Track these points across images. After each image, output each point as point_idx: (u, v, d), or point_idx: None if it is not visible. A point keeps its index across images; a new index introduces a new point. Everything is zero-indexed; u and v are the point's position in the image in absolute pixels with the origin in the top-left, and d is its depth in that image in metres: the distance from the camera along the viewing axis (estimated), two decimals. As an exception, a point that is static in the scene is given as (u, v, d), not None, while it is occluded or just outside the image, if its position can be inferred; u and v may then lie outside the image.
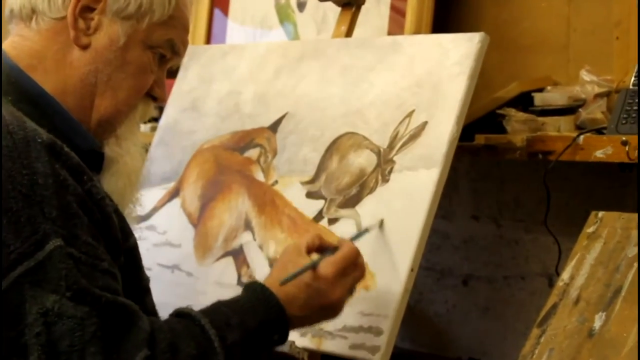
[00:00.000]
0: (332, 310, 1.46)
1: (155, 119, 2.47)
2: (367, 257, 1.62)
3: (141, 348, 1.23)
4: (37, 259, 1.19)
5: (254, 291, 1.40)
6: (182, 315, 1.36)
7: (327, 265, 1.44)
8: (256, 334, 1.36)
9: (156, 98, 1.47)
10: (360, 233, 1.59)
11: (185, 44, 1.46)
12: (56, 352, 1.18)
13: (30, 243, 1.20)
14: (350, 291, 1.48)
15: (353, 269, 1.47)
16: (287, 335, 1.41)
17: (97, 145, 1.41)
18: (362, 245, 1.57)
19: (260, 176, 1.87)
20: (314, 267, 1.44)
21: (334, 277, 1.44)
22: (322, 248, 1.49)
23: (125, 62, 1.40)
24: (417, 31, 2.07)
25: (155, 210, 1.99)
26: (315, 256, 1.47)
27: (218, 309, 1.37)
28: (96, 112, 1.40)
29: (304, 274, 1.42)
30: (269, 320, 1.38)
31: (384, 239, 1.62)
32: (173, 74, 2.14)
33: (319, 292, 1.43)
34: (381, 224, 1.63)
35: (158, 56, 1.44)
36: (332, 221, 1.71)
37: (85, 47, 1.39)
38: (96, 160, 1.40)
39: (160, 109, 2.41)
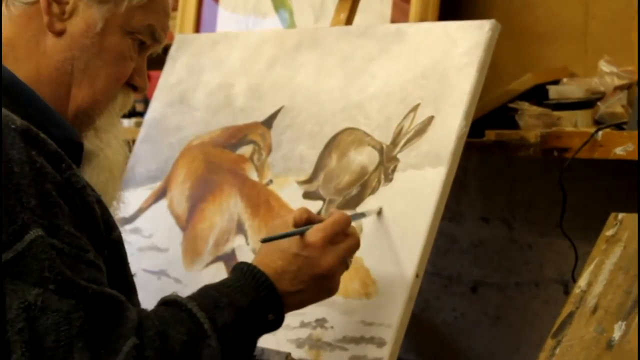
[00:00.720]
0: (326, 281, 1.45)
1: (140, 114, 2.47)
2: (368, 261, 1.62)
3: (129, 337, 1.24)
4: (16, 250, 1.20)
5: (241, 271, 1.41)
6: (168, 303, 1.36)
7: (315, 232, 1.45)
8: (248, 314, 1.37)
9: (137, 88, 1.47)
10: (355, 215, 1.59)
11: (165, 30, 1.47)
12: (41, 348, 1.18)
13: (8, 234, 1.20)
14: (344, 263, 1.48)
15: (344, 237, 1.47)
16: (282, 315, 1.42)
17: (75, 135, 1.41)
18: (363, 248, 1.56)
19: (253, 175, 1.86)
20: (301, 233, 1.45)
21: (323, 243, 1.44)
22: (311, 222, 1.50)
23: (103, 49, 1.41)
24: (423, 19, 2.06)
25: (140, 211, 1.99)
26: None
27: (205, 292, 1.38)
28: (73, 103, 1.41)
29: (291, 245, 1.43)
30: (260, 298, 1.39)
31: (387, 242, 1.62)
32: (159, 65, 2.14)
33: (309, 261, 1.43)
34: (379, 211, 1.63)
35: (137, 43, 1.44)
36: (330, 223, 1.71)
37: (59, 34, 1.40)
38: (75, 151, 1.40)
39: (146, 103, 2.41)
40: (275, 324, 1.42)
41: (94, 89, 1.41)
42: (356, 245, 1.50)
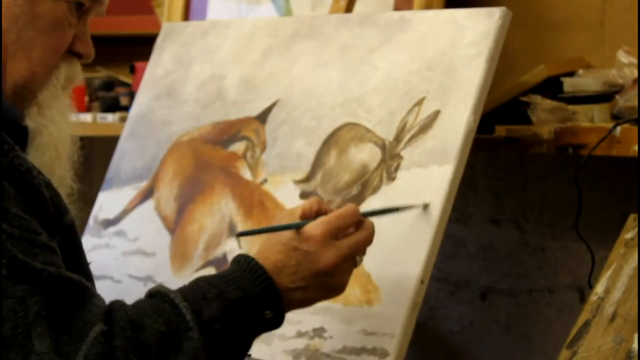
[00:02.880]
0: (328, 278, 1.44)
1: (125, 108, 2.47)
2: (369, 266, 1.62)
3: (96, 323, 1.24)
4: None
5: (238, 263, 1.41)
6: (152, 294, 1.36)
7: (317, 225, 1.44)
8: (240, 308, 1.36)
9: (81, 55, 1.45)
10: (386, 209, 1.56)
11: None
12: None
13: None
14: (349, 259, 1.46)
15: (349, 231, 1.46)
16: (281, 312, 1.41)
17: (16, 116, 1.40)
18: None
19: (246, 174, 1.87)
20: (296, 227, 1.43)
21: (324, 237, 1.43)
22: (321, 214, 1.48)
23: (35, 16, 1.39)
24: (428, 6, 2.06)
25: (125, 213, 1.99)
26: None
27: (195, 284, 1.38)
28: (10, 78, 1.39)
29: (291, 238, 1.43)
30: (255, 292, 1.38)
31: (390, 245, 1.62)
32: (145, 56, 2.14)
33: (308, 255, 1.42)
34: (426, 206, 1.61)
35: (75, 6, 1.42)
36: (329, 226, 1.71)
37: None
38: (18, 135, 1.39)
39: (131, 96, 2.41)
40: (274, 322, 1.41)
41: (30, 61, 1.39)
42: (366, 241, 1.48)
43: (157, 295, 1.35)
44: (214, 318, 1.33)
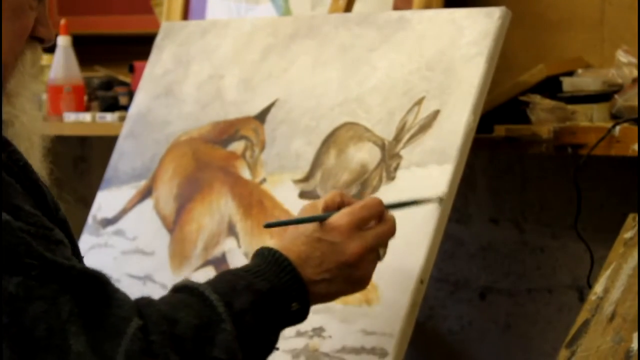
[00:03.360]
0: (353, 270, 1.43)
1: (124, 107, 2.47)
2: (369, 267, 1.62)
3: (131, 318, 1.22)
4: None
5: (263, 255, 1.40)
6: (178, 289, 1.35)
7: (341, 216, 1.43)
8: (269, 299, 1.35)
9: (43, 40, 1.43)
10: (405, 202, 1.55)
11: None
12: (33, 339, 1.17)
13: None
14: (373, 251, 1.45)
15: (376, 224, 1.45)
16: (307, 304, 1.40)
17: None
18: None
19: (245, 173, 1.87)
20: (322, 219, 1.43)
21: (348, 228, 1.42)
22: (344, 206, 1.47)
23: None
24: (428, 5, 2.07)
25: (124, 212, 1.99)
26: None
27: (222, 277, 1.37)
28: None
29: (315, 229, 1.42)
30: (281, 284, 1.37)
31: (389, 245, 1.62)
32: (144, 55, 2.14)
33: (333, 247, 1.41)
34: (440, 200, 1.61)
35: None
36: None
37: None
38: None
39: (130, 95, 2.41)
40: (300, 315, 1.39)
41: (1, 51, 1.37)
42: (389, 233, 1.47)
43: (184, 289, 1.33)
44: (245, 309, 1.32)
